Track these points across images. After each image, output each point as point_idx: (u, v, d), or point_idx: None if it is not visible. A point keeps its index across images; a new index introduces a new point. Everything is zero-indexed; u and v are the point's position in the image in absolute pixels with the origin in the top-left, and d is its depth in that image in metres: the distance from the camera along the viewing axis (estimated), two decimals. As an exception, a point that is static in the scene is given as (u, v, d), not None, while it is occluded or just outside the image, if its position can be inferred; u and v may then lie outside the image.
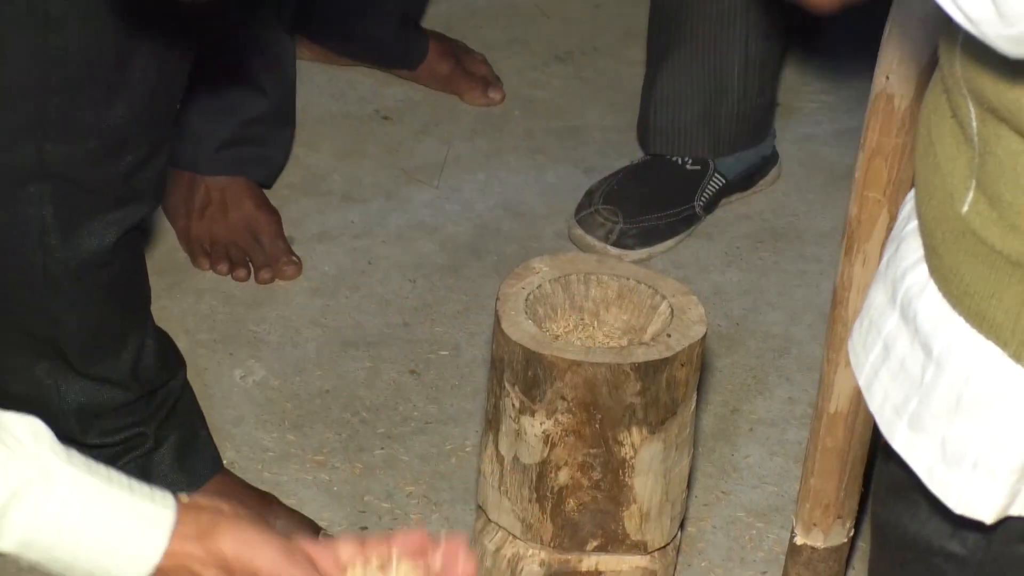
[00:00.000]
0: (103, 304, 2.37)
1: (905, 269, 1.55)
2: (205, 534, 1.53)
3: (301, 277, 2.82)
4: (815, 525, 2.29)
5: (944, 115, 1.52)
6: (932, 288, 1.51)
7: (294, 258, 2.92)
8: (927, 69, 1.92)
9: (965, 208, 1.48)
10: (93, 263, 2.32)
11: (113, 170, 2.33)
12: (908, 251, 1.56)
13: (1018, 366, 1.45)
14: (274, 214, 2.97)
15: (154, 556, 1.52)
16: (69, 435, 2.37)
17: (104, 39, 2.36)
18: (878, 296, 1.60)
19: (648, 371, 2.23)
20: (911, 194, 1.59)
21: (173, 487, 2.43)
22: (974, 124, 1.48)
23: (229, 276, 2.80)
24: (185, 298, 2.68)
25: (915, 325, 1.51)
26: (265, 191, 2.90)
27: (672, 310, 2.31)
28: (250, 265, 2.91)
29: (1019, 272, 1.45)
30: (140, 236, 2.45)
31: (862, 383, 1.58)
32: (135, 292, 2.42)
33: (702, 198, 2.89)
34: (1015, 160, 1.44)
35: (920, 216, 1.54)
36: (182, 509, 1.55)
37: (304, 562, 1.60)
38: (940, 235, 1.51)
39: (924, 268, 1.52)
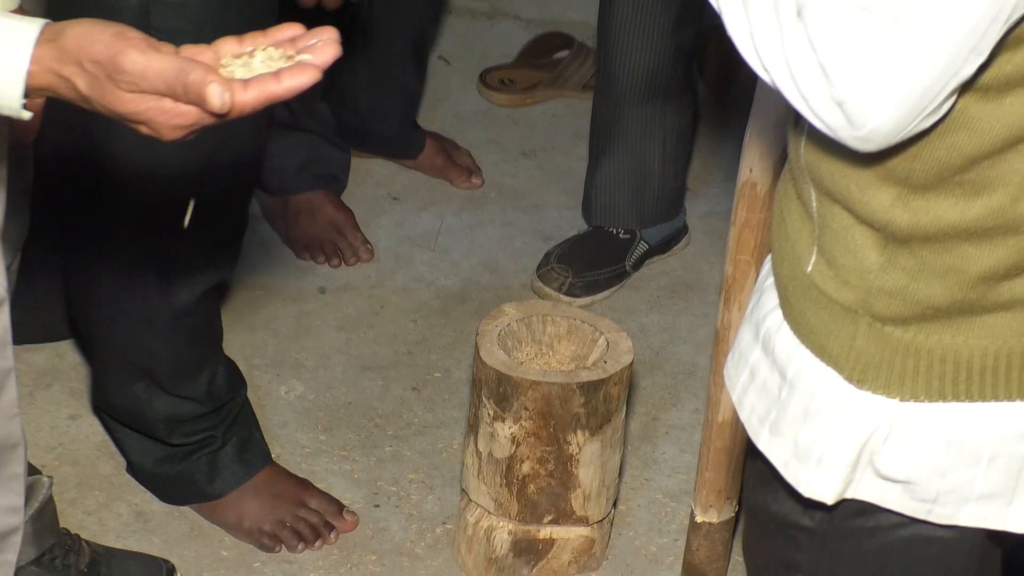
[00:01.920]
0: (188, 341, 2.38)
1: (765, 313, 1.55)
2: (56, 36, 1.41)
3: (330, 316, 2.79)
4: (711, 506, 2.30)
5: (792, 197, 1.53)
6: (786, 328, 1.52)
7: (368, 246, 2.93)
8: (779, 162, 1.91)
9: (809, 268, 1.49)
10: (183, 313, 2.33)
11: (203, 246, 2.33)
12: (768, 300, 1.56)
13: (850, 386, 1.45)
14: (349, 213, 2.98)
15: (22, 65, 1.40)
16: (158, 437, 2.40)
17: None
18: (745, 334, 1.60)
19: (590, 389, 2.23)
20: (769, 257, 1.58)
21: (235, 477, 2.47)
22: (814, 204, 1.48)
23: (325, 264, 2.81)
24: (244, 332, 2.69)
25: (773, 356, 1.51)
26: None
27: (608, 343, 2.31)
28: (340, 253, 2.92)
29: (850, 316, 1.45)
30: (217, 291, 2.46)
31: (735, 400, 1.58)
32: (211, 331, 2.43)
33: (631, 259, 2.90)
34: (846, 232, 1.45)
35: (776, 274, 1.54)
36: (46, 26, 1.44)
37: (139, 40, 1.41)
38: (791, 288, 1.51)
39: (779, 313, 1.53)
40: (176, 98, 1.35)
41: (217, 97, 1.33)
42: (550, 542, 2.31)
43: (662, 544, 2.45)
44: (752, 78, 1.51)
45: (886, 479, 1.45)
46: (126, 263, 2.30)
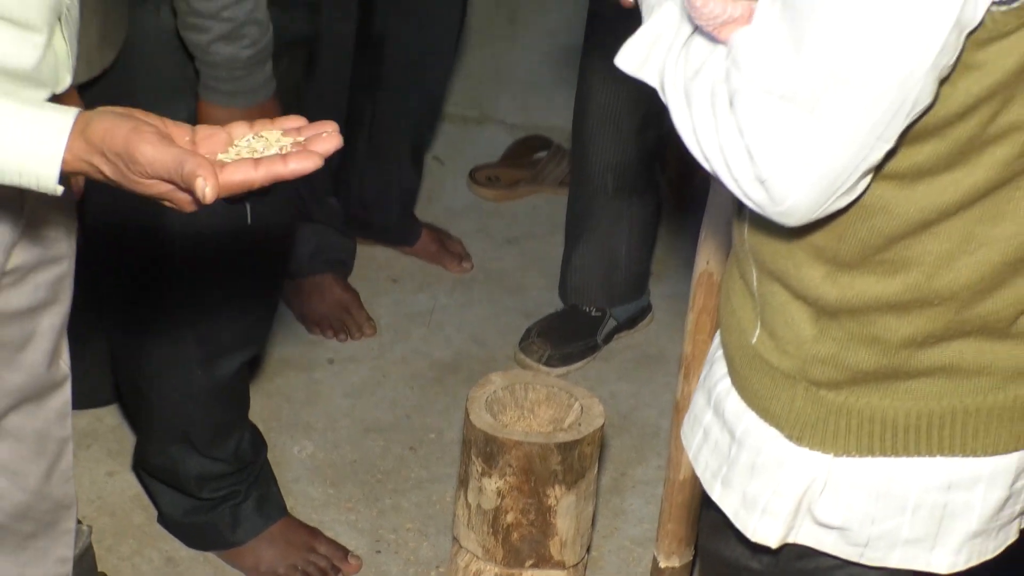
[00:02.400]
0: (222, 409, 2.38)
1: (716, 380, 1.56)
2: (85, 127, 1.40)
3: (337, 384, 2.76)
4: (672, 552, 2.25)
5: (736, 278, 1.53)
6: (734, 393, 1.52)
7: (371, 322, 2.91)
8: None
9: (754, 340, 1.50)
10: (221, 385, 2.34)
11: (243, 325, 2.37)
12: (718, 369, 1.57)
13: (791, 443, 1.46)
14: (354, 293, 2.96)
15: (58, 154, 1.39)
16: (188, 492, 2.41)
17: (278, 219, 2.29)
18: (699, 399, 1.60)
19: (566, 448, 2.22)
20: (719, 331, 1.60)
21: (254, 527, 2.42)
22: (755, 284, 1.48)
23: (333, 338, 2.82)
24: (262, 398, 2.65)
25: (724, 418, 1.52)
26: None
27: (582, 407, 2.30)
28: (346, 329, 2.91)
29: (789, 381, 1.46)
30: (250, 364, 2.45)
31: (691, 457, 1.57)
32: (242, 400, 2.43)
33: (602, 334, 2.88)
34: (784, 307, 1.45)
35: (724, 345, 1.56)
36: (79, 116, 1.42)
37: (152, 133, 1.38)
38: (738, 358, 1.52)
39: (728, 380, 1.53)
40: (177, 185, 1.34)
41: (200, 189, 1.30)
42: None
43: None
44: (707, 179, 1.52)
45: (823, 526, 1.46)
46: (173, 341, 2.31)
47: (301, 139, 1.37)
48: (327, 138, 1.36)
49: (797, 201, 1.29)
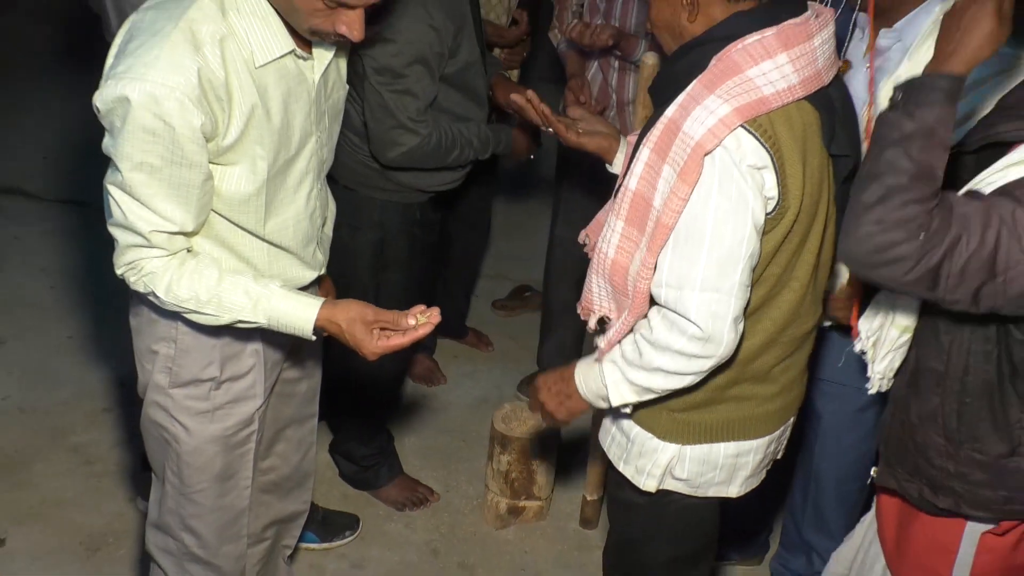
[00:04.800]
0: (375, 427, 2.35)
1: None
2: (332, 306, 1.39)
3: (426, 409, 2.64)
4: (592, 492, 2.36)
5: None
6: (627, 418, 1.44)
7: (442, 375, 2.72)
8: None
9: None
10: (377, 418, 2.32)
11: (386, 393, 2.35)
12: None
13: (660, 440, 1.41)
14: (435, 363, 2.74)
15: (314, 313, 1.37)
16: (355, 462, 2.38)
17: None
18: (607, 420, 1.52)
19: (547, 442, 2.31)
20: None
21: (387, 479, 2.34)
22: None
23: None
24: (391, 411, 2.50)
25: (622, 429, 1.49)
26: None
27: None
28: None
29: (657, 409, 1.40)
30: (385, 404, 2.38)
31: (605, 448, 1.54)
32: (381, 422, 2.37)
33: None
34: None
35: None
36: (325, 302, 1.38)
37: (373, 316, 1.32)
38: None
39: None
40: (384, 327, 1.34)
41: (421, 315, 1.33)
42: (523, 507, 2.39)
43: (572, 508, 2.46)
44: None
45: (677, 479, 1.47)
46: (360, 404, 2.35)
47: (424, 318, 1.39)
48: (432, 321, 1.40)
49: (729, 341, 1.23)
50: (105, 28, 1.73)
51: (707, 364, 1.20)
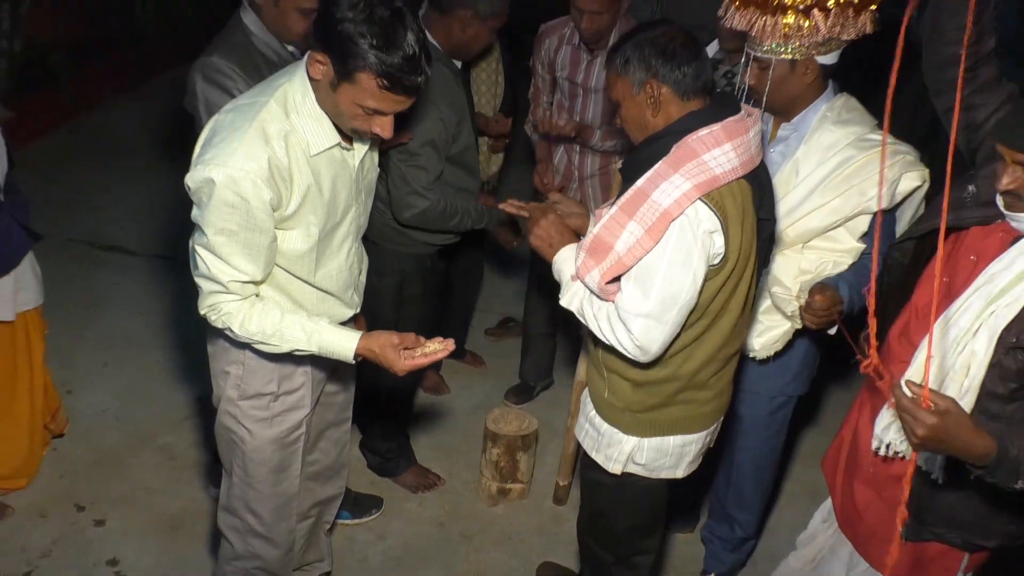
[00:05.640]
0: (396, 428, 2.31)
1: (589, 410, 1.45)
2: (368, 338, 1.39)
3: (429, 413, 2.61)
4: (565, 476, 2.31)
5: (594, 371, 1.35)
6: (598, 416, 1.43)
7: (446, 384, 2.67)
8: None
9: (606, 395, 1.39)
10: (398, 422, 2.29)
11: (402, 400, 2.34)
12: (588, 406, 1.45)
13: (624, 434, 1.38)
14: (441, 378, 2.71)
15: (354, 344, 1.38)
16: (379, 455, 2.34)
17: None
18: (581, 418, 1.49)
19: (523, 438, 2.29)
20: (587, 390, 1.45)
21: (404, 468, 2.27)
22: (604, 372, 1.37)
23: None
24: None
25: (594, 425, 1.50)
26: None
27: (528, 421, 2.31)
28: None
29: (621, 410, 1.35)
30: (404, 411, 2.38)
31: (580, 440, 1.53)
32: (401, 426, 2.33)
33: (536, 391, 2.78)
34: (618, 382, 1.27)
35: (591, 396, 1.41)
36: (363, 335, 1.39)
37: (398, 340, 1.33)
38: (598, 402, 1.36)
39: (594, 410, 1.40)
40: (407, 347, 1.36)
41: (439, 343, 1.31)
42: (510, 489, 2.40)
43: (547, 490, 2.46)
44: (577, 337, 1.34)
45: (637, 464, 1.48)
46: (385, 414, 2.35)
47: (442, 346, 1.44)
48: (448, 347, 1.44)
49: (654, 353, 1.30)
50: (197, 124, 1.79)
51: (627, 355, 1.26)
